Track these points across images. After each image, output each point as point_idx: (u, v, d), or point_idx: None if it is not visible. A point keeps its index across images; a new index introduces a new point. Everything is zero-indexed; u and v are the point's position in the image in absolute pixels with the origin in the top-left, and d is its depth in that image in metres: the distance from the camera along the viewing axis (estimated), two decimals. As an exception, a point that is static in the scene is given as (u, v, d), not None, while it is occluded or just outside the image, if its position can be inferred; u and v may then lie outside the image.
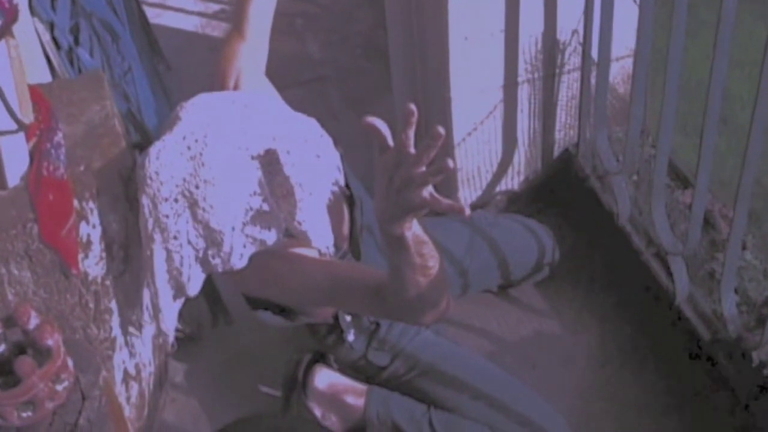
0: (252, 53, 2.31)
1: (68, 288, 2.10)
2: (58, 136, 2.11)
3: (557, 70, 2.92)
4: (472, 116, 2.95)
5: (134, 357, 2.35)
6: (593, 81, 2.80)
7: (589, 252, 2.97)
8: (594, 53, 2.75)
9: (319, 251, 2.13)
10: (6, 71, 1.91)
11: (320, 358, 2.62)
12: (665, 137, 2.46)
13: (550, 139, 3.07)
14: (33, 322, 1.77)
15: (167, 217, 1.99)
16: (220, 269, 2.07)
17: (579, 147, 3.01)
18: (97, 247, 2.12)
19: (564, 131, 3.06)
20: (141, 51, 3.25)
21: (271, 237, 2.05)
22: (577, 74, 2.92)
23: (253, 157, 2.00)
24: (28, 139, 2.05)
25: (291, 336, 2.73)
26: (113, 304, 2.21)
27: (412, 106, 1.68)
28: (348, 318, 2.44)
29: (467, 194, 3.12)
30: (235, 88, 2.25)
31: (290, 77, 3.80)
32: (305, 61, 3.99)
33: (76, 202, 2.05)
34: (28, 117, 2.02)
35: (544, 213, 3.08)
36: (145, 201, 2.00)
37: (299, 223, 2.05)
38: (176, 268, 2.06)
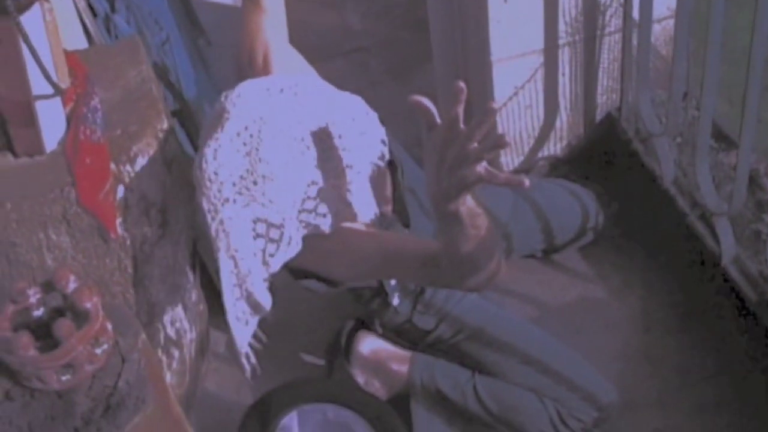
0: (274, 24, 2.29)
1: (107, 252, 2.09)
2: (95, 101, 2.10)
3: (598, 32, 2.88)
4: (512, 80, 2.93)
5: (175, 323, 2.34)
6: (635, 43, 2.76)
7: (633, 216, 2.94)
8: (635, 14, 2.71)
9: (365, 223, 2.11)
10: (41, 35, 1.90)
11: (363, 325, 2.61)
12: (708, 98, 2.42)
13: (592, 102, 3.03)
14: (71, 285, 1.76)
15: (230, 219, 1.98)
16: (276, 268, 2.06)
17: (621, 110, 2.97)
18: (135, 211, 2.11)
19: (606, 95, 3.03)
20: (179, 22, 3.23)
21: (325, 222, 2.03)
22: (618, 36, 2.88)
23: (308, 147, 1.98)
24: (64, 104, 2.05)
25: (334, 303, 2.72)
26: (153, 269, 2.20)
27: (462, 84, 1.65)
28: (393, 282, 2.42)
29: (509, 160, 3.10)
30: (264, 62, 2.22)
31: (331, 48, 3.78)
32: (346, 32, 3.97)
33: (113, 166, 2.05)
34: (64, 82, 2.02)
35: (588, 177, 3.04)
36: (205, 205, 1.99)
37: (348, 203, 2.03)
38: (243, 277, 2.04)
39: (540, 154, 3.12)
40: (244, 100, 2.02)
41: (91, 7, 2.56)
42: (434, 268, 1.96)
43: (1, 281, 2.05)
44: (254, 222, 2.00)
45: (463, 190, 1.72)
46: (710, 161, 2.61)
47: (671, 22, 2.81)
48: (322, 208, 2.02)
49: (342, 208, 2.05)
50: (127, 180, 2.08)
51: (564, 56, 2.91)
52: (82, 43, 2.55)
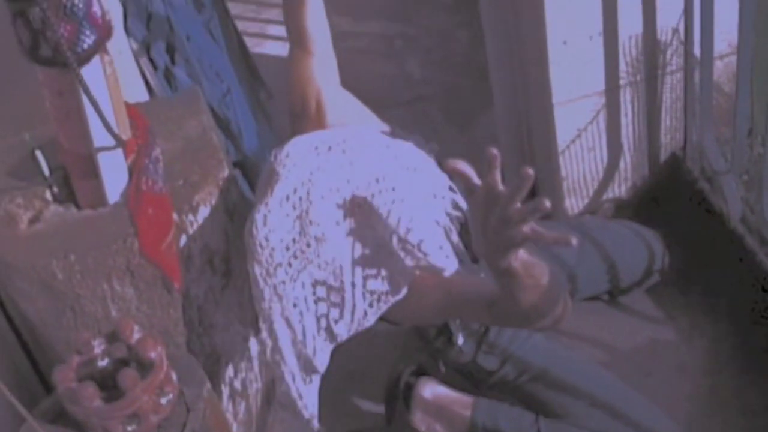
0: (324, 67, 2.28)
1: (171, 303, 2.09)
2: (156, 152, 2.11)
3: (659, 71, 2.86)
4: (575, 123, 2.91)
5: (240, 372, 2.34)
6: (697, 80, 2.74)
7: (701, 255, 2.89)
8: (696, 52, 2.69)
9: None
10: (102, 87, 1.92)
11: (423, 371, 2.58)
12: (774, 134, 2.39)
13: (655, 142, 3.00)
14: (135, 336, 1.77)
15: (284, 283, 1.97)
16: (345, 336, 2.05)
17: (686, 149, 2.94)
18: (198, 261, 2.11)
19: (670, 134, 3.00)
20: (240, 75, 3.26)
21: (396, 289, 2.01)
22: (680, 75, 2.86)
23: (360, 206, 1.98)
24: (126, 156, 2.05)
25: (393, 348, 2.70)
26: (217, 319, 2.20)
27: (495, 151, 1.63)
28: (457, 321, 2.40)
29: (573, 203, 3.08)
30: (317, 107, 2.21)
31: (392, 98, 3.79)
32: (406, 82, 3.99)
33: (175, 216, 2.05)
34: (125, 133, 2.03)
35: (654, 218, 3.01)
36: (257, 270, 1.99)
37: (424, 255, 2.01)
38: (300, 342, 2.04)
39: (604, 197, 3.09)
40: (292, 161, 2.02)
41: (151, 60, 2.58)
42: (499, 311, 1.94)
43: (67, 333, 2.06)
44: (313, 285, 2.00)
45: (511, 249, 1.70)
46: (778, 198, 2.56)
47: (733, 58, 2.78)
48: (390, 270, 2.00)
49: (418, 262, 2.03)
50: (189, 230, 2.09)
51: (626, 97, 2.88)
52: (143, 96, 2.57)
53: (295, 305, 2.00)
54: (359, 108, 2.30)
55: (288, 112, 2.34)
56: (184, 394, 1.82)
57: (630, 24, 2.74)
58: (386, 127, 2.25)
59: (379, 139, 2.16)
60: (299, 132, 2.20)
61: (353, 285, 1.99)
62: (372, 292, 2.02)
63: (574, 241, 1.60)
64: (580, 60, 2.77)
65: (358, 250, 1.99)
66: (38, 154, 2.09)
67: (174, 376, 1.79)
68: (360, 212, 1.98)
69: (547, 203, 1.57)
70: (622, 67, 2.82)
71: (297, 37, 2.29)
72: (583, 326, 2.80)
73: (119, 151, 2.02)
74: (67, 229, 2.03)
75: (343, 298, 2.00)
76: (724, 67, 2.88)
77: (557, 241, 1.64)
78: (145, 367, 1.73)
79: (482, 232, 1.70)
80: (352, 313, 2.02)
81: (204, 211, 2.09)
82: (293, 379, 2.10)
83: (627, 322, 2.84)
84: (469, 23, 4.13)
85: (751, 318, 2.72)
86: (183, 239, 2.07)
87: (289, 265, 1.97)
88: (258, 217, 1.98)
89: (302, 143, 2.08)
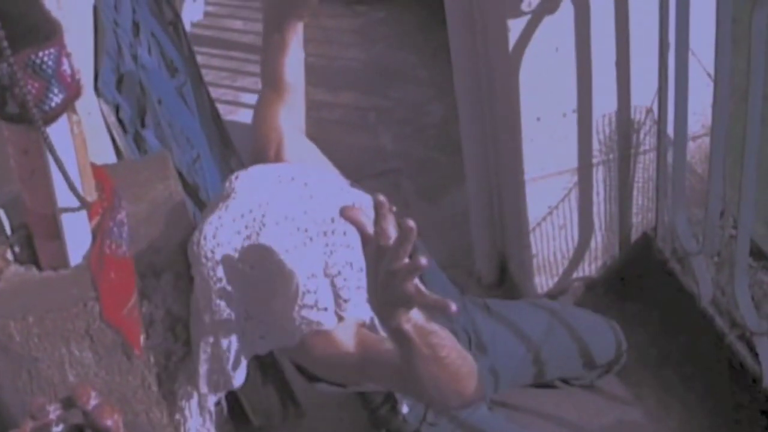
0: (292, 114, 2.24)
1: (130, 369, 2.05)
2: (121, 215, 2.08)
3: (632, 151, 2.86)
4: (546, 200, 2.90)
5: (200, 443, 2.29)
6: (670, 161, 2.73)
7: (671, 336, 2.88)
8: (670, 132, 2.69)
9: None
10: (68, 147, 1.89)
11: None
12: (746, 216, 2.38)
13: (627, 222, 3.00)
14: (92, 402, 1.72)
15: (220, 298, 1.94)
16: (264, 351, 2.02)
17: (657, 229, 2.94)
18: (159, 327, 2.07)
19: (641, 214, 3.00)
20: (211, 141, 3.24)
21: (327, 317, 1.97)
22: (653, 154, 2.85)
23: (311, 239, 1.94)
24: (90, 218, 2.02)
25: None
26: (177, 387, 2.16)
27: (382, 198, 1.60)
28: None
29: (543, 281, 3.06)
30: (277, 152, 2.18)
31: (364, 170, 3.78)
32: (378, 154, 3.99)
33: (138, 281, 2.01)
34: (90, 195, 2.00)
35: (624, 298, 3.00)
36: (198, 280, 1.96)
37: (345, 302, 1.98)
38: (223, 353, 2.01)
39: (575, 275, 3.08)
40: (252, 183, 2.00)
41: (120, 122, 2.56)
42: (401, 380, 1.89)
43: (22, 396, 2.02)
44: (248, 305, 1.96)
45: (397, 306, 1.66)
46: (749, 280, 2.55)
47: (706, 140, 2.79)
48: (323, 302, 1.96)
49: (339, 306, 1.99)
50: (152, 295, 2.05)
51: (598, 175, 2.88)
52: (110, 158, 2.54)
53: (227, 320, 1.97)
54: (319, 160, 2.26)
55: (248, 150, 2.31)
56: (140, 463, 1.78)
57: (604, 102, 2.75)
58: (345, 181, 2.22)
59: (340, 183, 2.13)
60: None
61: (287, 311, 1.95)
62: (305, 320, 1.96)
63: (453, 307, 1.56)
64: (553, 137, 2.77)
65: (302, 281, 1.94)
66: (0, 212, 2.05)
67: (131, 445, 1.74)
68: (311, 246, 1.94)
69: (424, 260, 1.54)
70: (595, 145, 2.81)
71: (271, 80, 2.25)
72: (547, 405, 2.78)
73: (83, 213, 1.99)
74: (26, 290, 2.00)
75: (274, 323, 1.98)
76: (696, 148, 2.88)
77: (437, 304, 1.59)
78: (101, 435, 1.67)
79: (372, 287, 1.66)
80: (280, 335, 1.99)
81: (167, 277, 2.06)
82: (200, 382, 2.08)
83: (594, 401, 2.81)
84: (443, 97, 4.15)
85: (720, 402, 2.69)
86: (145, 305, 2.04)
87: (229, 282, 1.93)
88: (208, 229, 1.94)
89: (265, 169, 2.06)
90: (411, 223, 1.53)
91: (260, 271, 1.93)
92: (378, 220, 1.61)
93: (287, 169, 2.07)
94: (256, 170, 2.06)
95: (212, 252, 1.93)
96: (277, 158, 2.16)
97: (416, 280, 1.60)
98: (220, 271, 1.93)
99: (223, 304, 1.95)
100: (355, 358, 1.98)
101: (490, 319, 2.56)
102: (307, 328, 1.96)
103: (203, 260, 1.94)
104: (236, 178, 2.03)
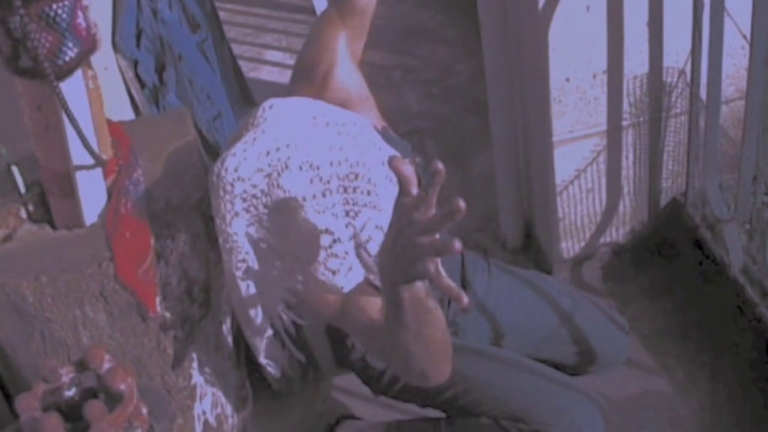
0: (353, 40, 2.14)
1: (145, 332, 2.01)
2: (138, 173, 2.04)
3: (664, 114, 2.81)
4: (574, 163, 2.86)
5: (216, 408, 2.25)
6: (702, 125, 2.67)
7: (699, 306, 2.83)
8: (702, 95, 2.62)
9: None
10: (83, 103, 1.85)
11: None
12: (780, 183, 2.33)
13: (656, 186, 2.95)
14: (105, 365, 1.69)
15: (236, 234, 1.89)
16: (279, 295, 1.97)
17: (687, 195, 2.88)
18: (176, 289, 2.03)
19: (671, 179, 2.94)
20: (232, 99, 3.20)
21: (345, 282, 1.92)
22: (684, 118, 2.80)
23: (331, 192, 1.88)
24: (106, 176, 1.98)
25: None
26: (193, 351, 2.13)
27: (440, 166, 1.48)
28: None
29: (569, 245, 3.02)
30: (324, 78, 2.09)
31: (388, 129, 3.73)
32: (403, 113, 3.93)
33: (153, 241, 1.97)
34: (106, 152, 1.95)
35: (651, 265, 2.95)
36: (216, 213, 1.91)
37: (366, 263, 1.92)
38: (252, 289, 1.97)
39: (601, 240, 3.03)
40: (286, 118, 1.94)
41: (138, 78, 2.51)
42: (377, 341, 1.82)
43: (35, 358, 1.99)
44: (257, 242, 1.91)
45: (411, 273, 1.58)
46: (782, 249, 2.50)
47: (739, 103, 2.73)
48: (333, 264, 1.91)
49: (365, 261, 1.93)
50: (168, 256, 2.01)
51: (628, 138, 2.83)
52: (128, 114, 2.49)
53: (244, 260, 1.92)
54: (364, 95, 2.18)
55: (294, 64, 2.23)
56: (154, 428, 1.75)
57: (635, 63, 2.70)
58: (383, 123, 2.15)
59: (375, 139, 2.05)
60: (293, 94, 2.10)
61: (297, 259, 1.90)
62: (315, 280, 1.91)
63: (465, 300, 1.48)
64: (582, 98, 2.72)
65: (316, 236, 1.89)
66: (14, 169, 2.01)
67: (144, 410, 1.71)
68: (330, 198, 1.88)
69: (458, 245, 1.44)
70: (626, 107, 2.76)
71: (341, 1, 2.15)
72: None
73: (98, 171, 1.95)
74: (40, 250, 1.96)
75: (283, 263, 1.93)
76: (729, 112, 2.82)
77: (451, 292, 1.51)
78: (114, 399, 1.65)
79: (390, 245, 1.59)
80: (287, 281, 1.93)
81: (184, 238, 2.02)
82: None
83: (619, 370, 2.73)
84: (470, 57, 4.10)
85: (749, 373, 2.65)
86: (161, 266, 2.00)
87: (240, 217, 1.89)
88: (231, 161, 1.88)
89: (302, 106, 1.99)
90: (462, 203, 1.43)
91: (275, 213, 1.88)
92: (427, 187, 1.50)
93: (324, 110, 2.00)
94: (293, 103, 1.99)
95: (231, 186, 1.87)
96: (324, 82, 2.08)
97: (438, 262, 1.53)
98: (238, 205, 1.88)
99: (240, 240, 1.91)
100: (339, 304, 1.92)
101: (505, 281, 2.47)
102: (316, 286, 1.90)
103: (221, 192, 1.88)
104: (270, 107, 1.96)
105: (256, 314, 2.00)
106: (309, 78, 2.09)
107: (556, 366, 2.42)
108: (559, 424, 2.14)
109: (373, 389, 2.35)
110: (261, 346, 2.06)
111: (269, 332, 2.04)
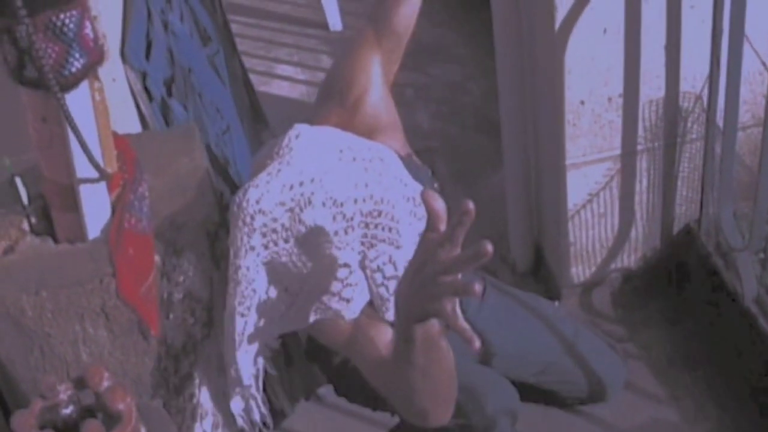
0: (387, 65, 2.10)
1: (146, 350, 1.99)
2: (143, 188, 2.01)
3: (679, 139, 2.78)
4: (587, 186, 2.83)
5: (216, 428, 2.23)
6: (717, 151, 2.64)
7: (710, 335, 2.81)
8: (719, 121, 2.59)
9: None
10: (88, 115, 1.82)
11: None
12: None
13: (670, 213, 2.92)
14: (105, 383, 1.67)
15: (247, 269, 1.86)
16: (274, 333, 1.96)
17: (701, 222, 2.85)
18: (178, 308, 2.01)
19: (685, 205, 2.91)
20: (242, 113, 3.17)
21: (348, 310, 1.88)
22: (700, 144, 2.77)
23: (353, 228, 1.85)
24: (110, 190, 1.95)
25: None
26: (195, 370, 2.10)
27: (471, 205, 1.44)
28: None
29: (580, 270, 2.99)
30: (356, 102, 2.05)
31: (398, 147, 3.71)
32: (414, 132, 3.88)
33: (157, 258, 1.94)
34: (111, 166, 1.92)
35: (662, 293, 2.92)
36: (232, 244, 1.88)
37: (385, 301, 1.89)
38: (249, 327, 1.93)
39: (613, 266, 3.00)
40: (311, 150, 1.89)
41: (147, 90, 2.48)
42: (382, 375, 1.79)
43: (33, 374, 1.97)
44: (272, 281, 1.89)
45: (428, 309, 1.53)
46: (796, 280, 2.47)
47: (755, 130, 2.70)
48: (347, 293, 1.88)
49: (379, 303, 1.90)
50: (172, 274, 1.99)
51: (642, 163, 2.80)
52: (135, 127, 2.47)
53: (254, 290, 1.89)
54: (393, 121, 2.14)
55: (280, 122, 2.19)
56: (153, 450, 1.72)
57: (652, 87, 2.67)
58: (407, 150, 2.11)
59: (402, 175, 2.00)
60: (321, 116, 2.07)
61: (308, 293, 1.88)
62: (323, 306, 1.88)
63: (477, 344, 1.44)
64: (596, 121, 2.69)
65: (334, 270, 1.86)
66: (17, 180, 1.99)
67: (143, 430, 1.68)
68: (351, 235, 1.85)
69: (479, 287, 1.40)
70: (640, 131, 2.74)
71: (380, 23, 2.10)
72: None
73: (103, 185, 1.92)
74: (41, 263, 1.94)
75: (293, 302, 1.90)
76: (746, 139, 2.80)
77: (464, 335, 1.47)
78: (113, 419, 1.62)
79: (412, 276, 1.54)
80: (295, 316, 1.91)
81: (189, 256, 2.00)
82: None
83: (628, 399, 2.74)
84: (483, 77, 4.08)
85: (758, 403, 2.63)
86: (164, 284, 1.98)
87: (258, 254, 1.85)
88: (253, 193, 1.85)
89: (329, 137, 1.95)
90: (489, 247, 1.39)
91: (295, 248, 1.85)
92: (455, 226, 1.43)
93: (352, 144, 1.96)
94: (320, 134, 1.95)
95: (251, 218, 1.84)
96: (355, 106, 2.04)
97: (456, 303, 1.49)
98: (255, 240, 1.85)
99: (251, 273, 1.87)
100: (349, 332, 1.89)
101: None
102: (323, 315, 1.87)
103: (240, 224, 1.85)
104: (297, 136, 1.92)
105: (243, 356, 1.98)
106: (340, 101, 2.05)
107: (564, 400, 2.41)
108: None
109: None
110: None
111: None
